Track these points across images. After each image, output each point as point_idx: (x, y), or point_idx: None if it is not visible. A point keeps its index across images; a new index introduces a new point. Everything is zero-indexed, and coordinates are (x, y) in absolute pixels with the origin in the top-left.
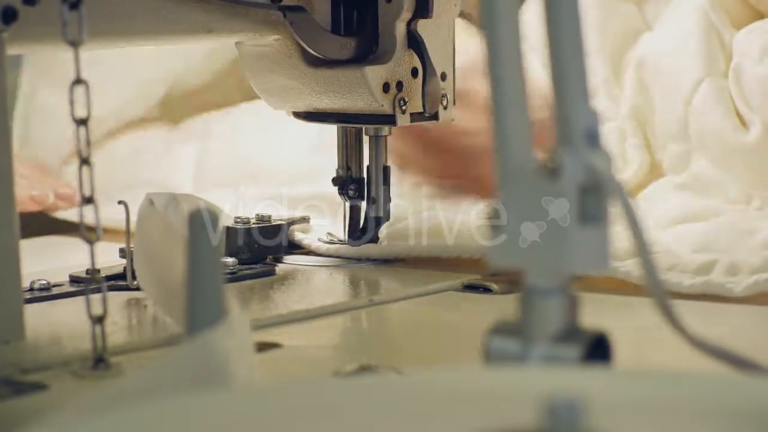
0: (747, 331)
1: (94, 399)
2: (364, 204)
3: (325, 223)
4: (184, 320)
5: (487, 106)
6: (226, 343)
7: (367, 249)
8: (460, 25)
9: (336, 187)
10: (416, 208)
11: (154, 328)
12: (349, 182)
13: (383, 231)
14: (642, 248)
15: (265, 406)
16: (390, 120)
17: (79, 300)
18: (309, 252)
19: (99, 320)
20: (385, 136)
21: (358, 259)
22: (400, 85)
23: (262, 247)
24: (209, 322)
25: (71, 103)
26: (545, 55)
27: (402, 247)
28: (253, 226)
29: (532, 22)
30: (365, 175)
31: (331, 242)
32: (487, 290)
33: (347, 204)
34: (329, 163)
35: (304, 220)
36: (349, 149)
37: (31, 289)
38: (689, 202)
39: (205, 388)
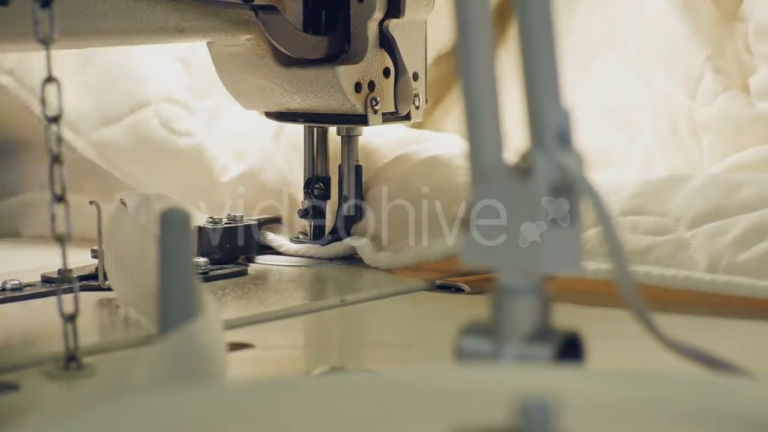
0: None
1: (71, 398)
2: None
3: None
4: (157, 320)
5: None
6: (203, 338)
7: (336, 248)
8: None
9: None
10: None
11: (126, 328)
12: (314, 181)
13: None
14: (614, 249)
15: (239, 404)
16: (362, 120)
17: (52, 300)
18: (281, 252)
19: (71, 319)
20: (357, 135)
21: (330, 259)
22: (372, 85)
23: (233, 247)
24: (182, 322)
25: (42, 101)
26: (517, 55)
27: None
28: (225, 226)
29: None
30: (338, 174)
31: (300, 241)
32: (459, 290)
33: (307, 203)
34: None
35: (276, 220)
36: (315, 148)
37: (3, 290)
38: None
39: (184, 384)
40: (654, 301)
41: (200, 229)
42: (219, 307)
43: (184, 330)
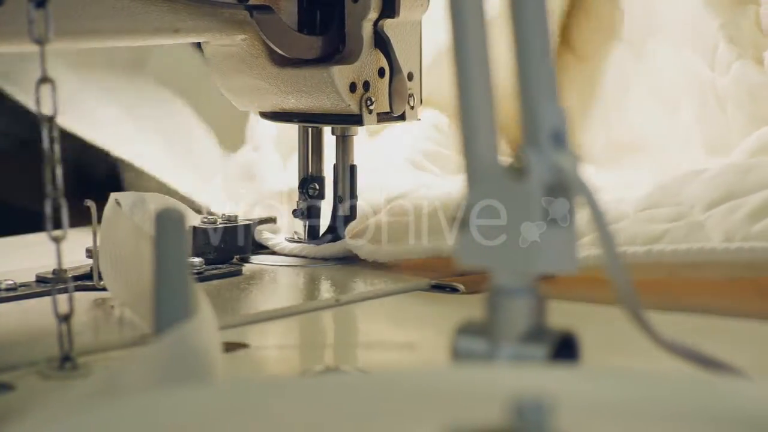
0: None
1: (68, 398)
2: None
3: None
4: (152, 320)
5: None
6: (198, 338)
7: (331, 248)
8: None
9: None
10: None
11: (121, 328)
12: (309, 181)
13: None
14: (609, 248)
15: (233, 404)
16: (357, 120)
17: (46, 300)
18: (275, 252)
19: (65, 319)
20: (352, 135)
21: (325, 259)
22: (367, 85)
23: (229, 247)
24: (176, 322)
25: (37, 101)
26: (511, 54)
27: (368, 248)
28: (220, 226)
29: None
30: (333, 174)
31: (294, 241)
32: (454, 290)
33: (304, 204)
34: None
35: (271, 220)
36: (310, 149)
37: None
38: None
39: (179, 384)
40: (665, 291)
41: (195, 228)
42: (213, 307)
43: (179, 330)
